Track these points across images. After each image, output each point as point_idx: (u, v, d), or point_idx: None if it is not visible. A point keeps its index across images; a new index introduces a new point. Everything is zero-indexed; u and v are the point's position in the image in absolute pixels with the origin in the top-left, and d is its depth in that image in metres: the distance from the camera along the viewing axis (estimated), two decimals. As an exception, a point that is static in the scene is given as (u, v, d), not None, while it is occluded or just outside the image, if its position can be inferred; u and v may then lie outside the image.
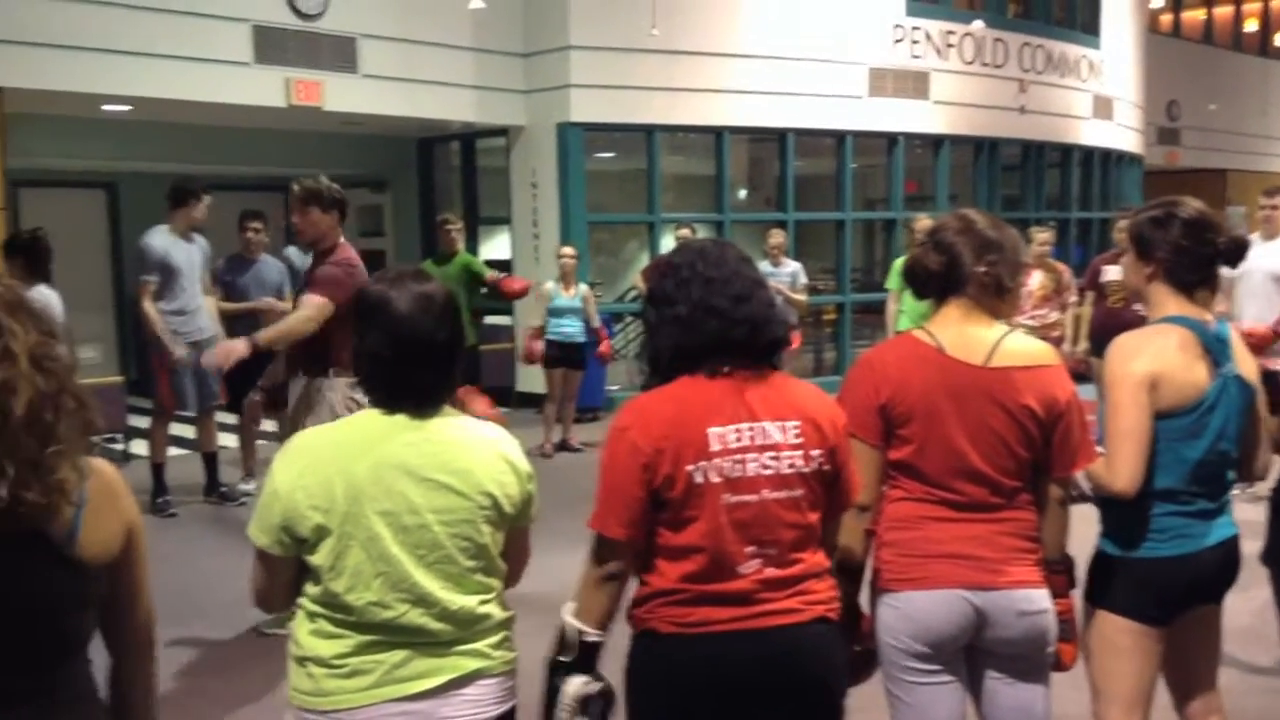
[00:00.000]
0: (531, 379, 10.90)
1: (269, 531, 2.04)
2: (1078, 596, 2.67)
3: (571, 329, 8.85)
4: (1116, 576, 2.67)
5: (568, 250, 8.97)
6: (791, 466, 2.16)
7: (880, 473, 2.48)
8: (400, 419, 2.07)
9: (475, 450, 2.10)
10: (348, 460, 2.02)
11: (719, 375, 2.19)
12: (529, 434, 9.23)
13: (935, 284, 2.55)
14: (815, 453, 2.19)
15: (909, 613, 2.43)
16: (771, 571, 2.15)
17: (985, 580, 2.42)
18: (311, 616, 2.07)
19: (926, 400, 2.42)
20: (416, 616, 2.02)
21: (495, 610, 2.13)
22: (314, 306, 4.56)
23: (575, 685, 2.14)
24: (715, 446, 2.12)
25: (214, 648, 4.82)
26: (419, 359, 2.07)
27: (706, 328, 2.17)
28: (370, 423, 2.09)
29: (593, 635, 2.16)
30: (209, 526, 6.83)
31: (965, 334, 2.48)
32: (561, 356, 8.85)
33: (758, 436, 2.15)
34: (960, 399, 2.42)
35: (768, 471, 2.15)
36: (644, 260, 11.36)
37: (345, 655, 2.02)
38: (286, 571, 2.09)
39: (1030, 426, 2.44)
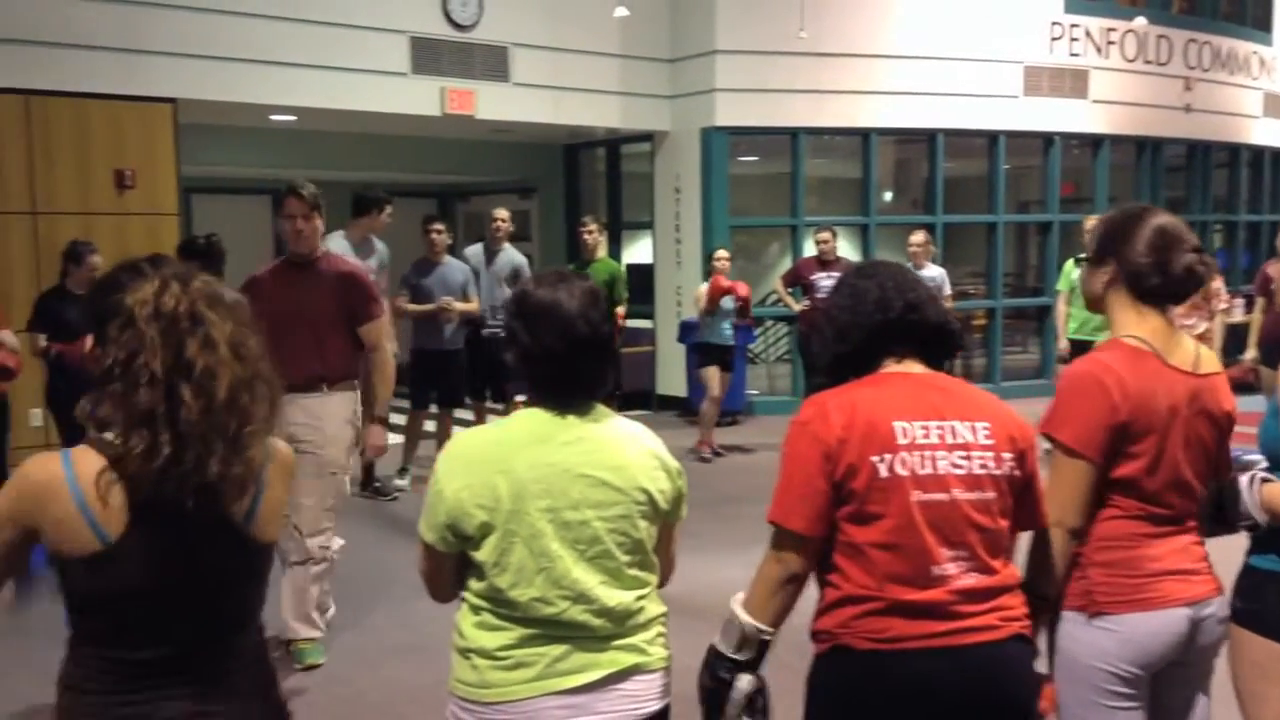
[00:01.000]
0: (671, 382, 10.97)
1: (435, 529, 2.11)
2: None
3: (725, 331, 8.88)
4: (1275, 596, 2.50)
5: (722, 254, 8.97)
6: (983, 467, 2.11)
7: (1096, 493, 2.35)
8: (557, 417, 2.12)
9: (629, 447, 2.14)
10: (510, 459, 2.08)
11: (898, 373, 2.19)
12: (671, 436, 9.26)
13: (1186, 286, 2.41)
14: (1007, 456, 2.13)
15: (1128, 635, 2.32)
16: (968, 581, 2.08)
17: (1201, 593, 2.36)
18: (476, 610, 2.12)
19: (1163, 414, 2.33)
20: (577, 613, 2.06)
21: (651, 606, 2.16)
22: (388, 333, 4.66)
23: (746, 683, 2.13)
24: (902, 440, 2.08)
25: (373, 638, 4.98)
26: (591, 353, 2.13)
27: (881, 319, 2.19)
28: (530, 421, 2.14)
29: (770, 634, 2.14)
30: (368, 520, 7.06)
31: (1174, 342, 2.40)
32: (714, 358, 8.87)
33: (947, 435, 2.11)
34: (1179, 409, 2.35)
35: (959, 471, 2.09)
36: (786, 264, 11.30)
37: (509, 647, 2.07)
38: (452, 565, 2.15)
39: (1224, 432, 2.41)
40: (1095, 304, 2.52)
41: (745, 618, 2.13)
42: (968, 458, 2.10)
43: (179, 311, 1.72)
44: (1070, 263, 8.73)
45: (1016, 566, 2.21)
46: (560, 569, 2.06)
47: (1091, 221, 8.34)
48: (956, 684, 2.06)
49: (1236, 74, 13.62)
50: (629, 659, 2.10)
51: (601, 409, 2.18)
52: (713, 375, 8.85)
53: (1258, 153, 14.25)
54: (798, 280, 9.62)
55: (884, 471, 2.07)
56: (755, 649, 2.14)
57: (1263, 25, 14.19)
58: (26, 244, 7.82)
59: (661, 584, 2.26)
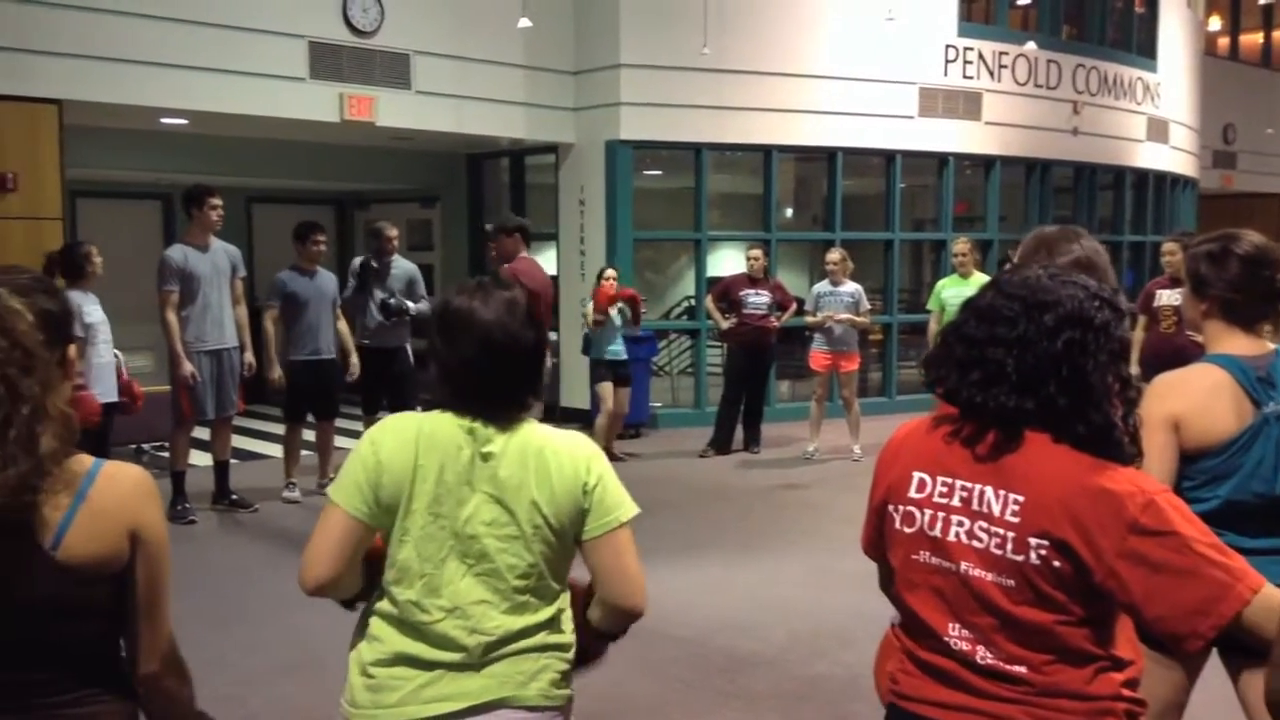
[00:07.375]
0: (575, 394, 10.95)
1: (349, 489, 2.01)
2: None
3: (613, 346, 9.08)
4: None
5: (611, 274, 9.16)
6: (1000, 548, 1.72)
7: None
8: (472, 425, 2.04)
9: (541, 464, 2.04)
10: (424, 454, 2.01)
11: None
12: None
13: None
14: (1036, 541, 1.70)
15: None
16: (988, 660, 1.75)
17: None
18: (371, 614, 2.06)
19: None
20: (450, 627, 1.99)
21: (543, 636, 2.05)
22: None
23: None
24: (915, 494, 1.82)
25: (263, 656, 4.86)
26: (508, 363, 2.05)
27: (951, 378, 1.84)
28: (444, 425, 2.06)
29: None
30: (254, 536, 6.89)
31: None
32: (607, 373, 9.06)
33: (973, 500, 1.76)
34: None
35: (976, 544, 1.74)
36: (689, 277, 11.36)
37: (379, 664, 2.01)
38: (351, 538, 2.02)
39: None
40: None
41: None
42: (987, 531, 1.74)
43: None
44: (941, 282, 9.23)
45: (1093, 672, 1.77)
46: (443, 577, 2.00)
47: (962, 244, 9.09)
48: None
49: (1122, 99, 14.13)
50: (499, 690, 2.01)
51: (527, 420, 2.08)
52: (606, 390, 8.95)
53: (1141, 175, 14.79)
54: (726, 297, 9.63)
55: (897, 523, 1.85)
56: None
57: (1147, 52, 14.75)
58: (-103, 247, 7.48)
59: (612, 607, 2.08)
